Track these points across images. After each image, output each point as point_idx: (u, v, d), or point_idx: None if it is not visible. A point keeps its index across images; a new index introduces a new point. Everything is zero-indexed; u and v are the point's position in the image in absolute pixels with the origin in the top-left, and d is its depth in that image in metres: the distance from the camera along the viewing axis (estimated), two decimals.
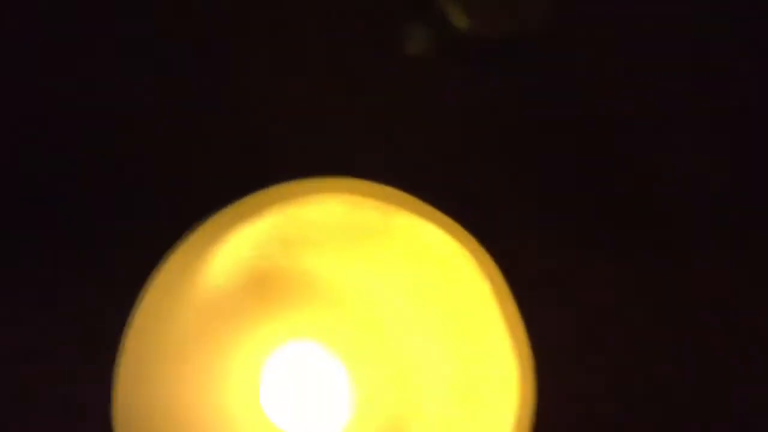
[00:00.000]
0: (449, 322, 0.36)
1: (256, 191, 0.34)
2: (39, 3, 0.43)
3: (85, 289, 0.40)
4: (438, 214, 0.34)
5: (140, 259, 0.34)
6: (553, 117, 0.45)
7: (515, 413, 0.34)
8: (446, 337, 0.36)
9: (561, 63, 0.46)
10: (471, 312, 0.35)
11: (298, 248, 0.36)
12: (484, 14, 0.41)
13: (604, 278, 0.45)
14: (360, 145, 0.43)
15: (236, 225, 0.34)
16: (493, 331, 0.34)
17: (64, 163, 0.42)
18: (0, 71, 0.43)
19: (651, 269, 0.45)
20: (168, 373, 0.34)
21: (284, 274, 0.36)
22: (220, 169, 0.42)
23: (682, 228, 0.46)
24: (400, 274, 0.36)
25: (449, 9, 0.37)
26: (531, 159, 0.45)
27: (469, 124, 0.45)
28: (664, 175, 0.46)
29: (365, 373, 0.37)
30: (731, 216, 0.47)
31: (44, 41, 0.43)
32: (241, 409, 0.36)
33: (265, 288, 0.36)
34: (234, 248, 0.35)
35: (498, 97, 0.45)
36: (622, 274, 0.45)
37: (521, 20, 0.41)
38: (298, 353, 0.36)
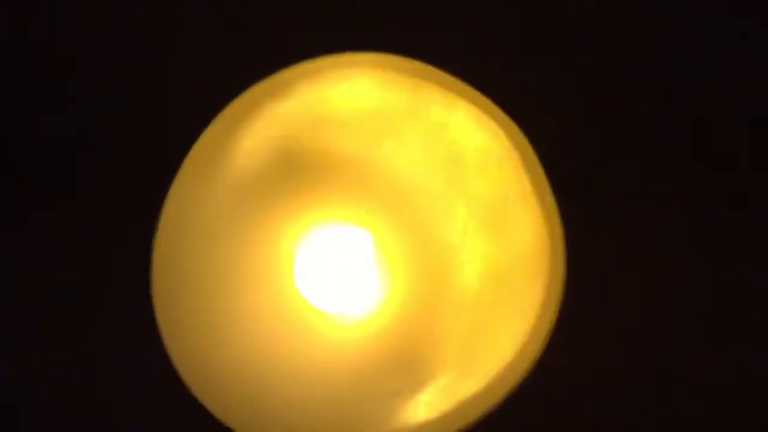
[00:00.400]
0: (482, 201, 0.36)
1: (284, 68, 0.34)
2: None
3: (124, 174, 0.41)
4: (469, 89, 0.33)
5: (175, 138, 0.34)
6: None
7: (543, 295, 0.34)
8: (478, 217, 0.36)
9: None
10: (504, 192, 0.35)
11: (330, 127, 0.36)
12: None
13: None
14: (393, 23, 0.43)
15: (265, 102, 0.34)
16: (525, 209, 0.34)
17: None
18: None
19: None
20: (203, 250, 0.34)
21: (314, 154, 0.36)
22: (248, 48, 0.42)
23: None
24: (431, 154, 0.36)
25: None
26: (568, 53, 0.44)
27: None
28: None
29: (396, 253, 0.37)
30: None
31: None
32: (276, 287, 0.36)
33: (295, 168, 0.36)
34: (264, 128, 0.35)
35: None
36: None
37: None
38: (331, 234, 0.37)
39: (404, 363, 0.36)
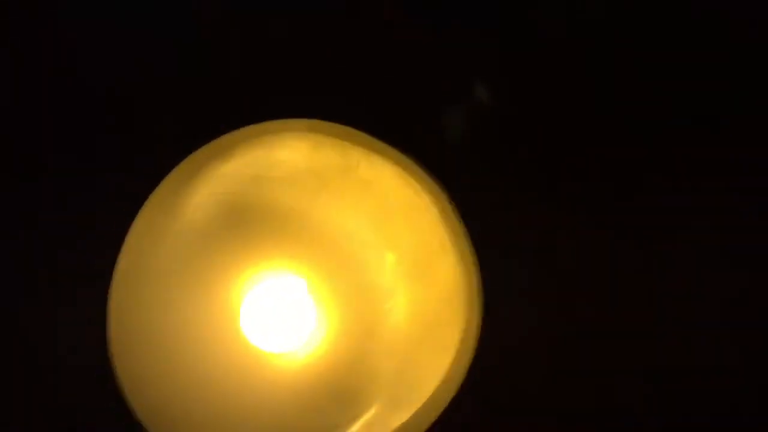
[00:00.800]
0: (408, 250, 0.40)
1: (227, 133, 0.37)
2: None
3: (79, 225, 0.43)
4: (392, 150, 0.37)
5: (128, 195, 0.37)
6: None
7: (462, 333, 0.37)
8: (406, 264, 0.40)
9: None
10: (427, 240, 0.39)
11: (269, 184, 0.39)
12: None
13: None
14: (324, 88, 0.46)
15: (210, 163, 0.38)
16: (445, 256, 0.38)
17: None
18: None
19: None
20: (157, 297, 0.37)
21: (256, 208, 0.40)
22: (195, 114, 0.45)
23: None
24: (362, 207, 0.40)
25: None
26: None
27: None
28: None
29: (332, 298, 0.40)
30: None
31: None
32: (223, 332, 0.39)
33: (240, 221, 0.40)
34: (209, 185, 0.38)
35: None
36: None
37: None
38: (271, 283, 0.40)
39: (341, 398, 0.40)
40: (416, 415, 0.37)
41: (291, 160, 0.38)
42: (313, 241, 0.40)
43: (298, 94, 0.44)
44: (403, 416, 0.37)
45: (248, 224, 0.40)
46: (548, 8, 0.44)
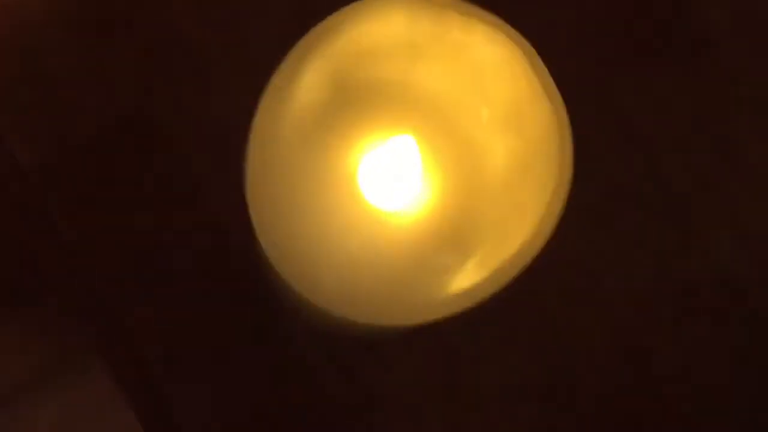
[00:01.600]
0: (500, 104, 0.44)
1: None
2: None
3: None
4: (483, 12, 0.41)
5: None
6: None
7: (557, 177, 0.41)
8: (499, 117, 0.44)
9: None
10: (517, 95, 0.43)
11: (371, 59, 0.44)
12: None
13: None
14: None
15: (317, 46, 0.42)
16: (537, 106, 0.42)
17: None
18: None
19: None
20: (288, 162, 0.43)
21: (363, 82, 0.45)
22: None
23: None
24: (455, 69, 0.44)
25: None
26: None
27: None
28: None
29: (437, 154, 0.45)
30: None
31: None
32: (344, 193, 0.45)
33: (350, 96, 0.45)
34: (319, 67, 0.43)
35: None
36: None
37: None
38: (384, 145, 0.45)
39: (451, 243, 0.45)
40: (517, 254, 0.41)
41: (390, 33, 0.43)
42: (415, 105, 0.45)
43: None
44: (511, 249, 0.42)
45: (358, 97, 0.45)
46: None
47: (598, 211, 0.55)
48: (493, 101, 0.44)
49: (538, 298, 0.54)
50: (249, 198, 0.40)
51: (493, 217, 0.45)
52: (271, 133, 0.41)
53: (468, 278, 0.43)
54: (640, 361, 0.55)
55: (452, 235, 0.45)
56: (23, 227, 0.52)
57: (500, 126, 0.44)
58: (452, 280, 0.44)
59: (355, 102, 0.45)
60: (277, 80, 0.41)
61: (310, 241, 0.44)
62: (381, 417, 0.53)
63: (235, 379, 0.53)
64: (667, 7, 0.56)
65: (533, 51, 0.41)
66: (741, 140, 0.56)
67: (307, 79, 0.42)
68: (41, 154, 0.53)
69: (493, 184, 0.45)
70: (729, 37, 0.56)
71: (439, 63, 0.44)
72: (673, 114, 0.56)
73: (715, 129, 0.56)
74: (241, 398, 0.53)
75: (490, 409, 0.54)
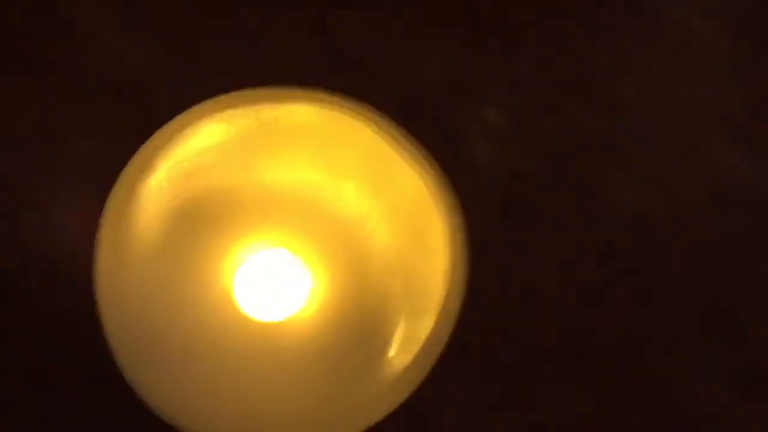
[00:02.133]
0: (358, 168, 0.40)
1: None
2: None
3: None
4: (294, 91, 0.37)
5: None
6: None
7: (446, 285, 0.37)
8: (362, 184, 0.40)
9: None
10: (372, 154, 0.39)
11: (203, 172, 0.39)
12: None
13: None
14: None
15: (143, 175, 0.37)
16: (403, 173, 0.38)
17: None
18: None
19: None
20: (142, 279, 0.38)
21: (207, 197, 0.40)
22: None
23: None
24: (299, 152, 0.40)
25: None
26: None
27: None
28: None
29: (321, 264, 0.41)
30: None
31: None
32: (217, 303, 0.40)
33: (203, 213, 0.40)
34: (154, 194, 0.38)
35: None
36: None
37: None
38: (265, 256, 0.40)
39: (362, 335, 0.40)
40: (439, 320, 0.37)
41: (213, 142, 0.38)
42: (272, 204, 0.40)
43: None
44: (427, 324, 0.37)
45: (212, 213, 0.40)
46: None
47: None
48: (352, 172, 0.39)
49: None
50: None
51: (396, 290, 0.40)
52: (117, 253, 0.36)
53: (396, 363, 0.38)
54: None
55: (358, 325, 0.40)
56: None
57: (369, 193, 0.40)
58: (378, 369, 0.40)
59: (212, 218, 0.40)
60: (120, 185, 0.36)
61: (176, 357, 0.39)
62: None
63: None
64: None
65: (378, 115, 0.37)
66: None
67: (142, 210, 0.38)
68: None
69: (384, 256, 0.41)
70: None
71: (279, 151, 0.40)
72: None
73: None
74: None
75: None
